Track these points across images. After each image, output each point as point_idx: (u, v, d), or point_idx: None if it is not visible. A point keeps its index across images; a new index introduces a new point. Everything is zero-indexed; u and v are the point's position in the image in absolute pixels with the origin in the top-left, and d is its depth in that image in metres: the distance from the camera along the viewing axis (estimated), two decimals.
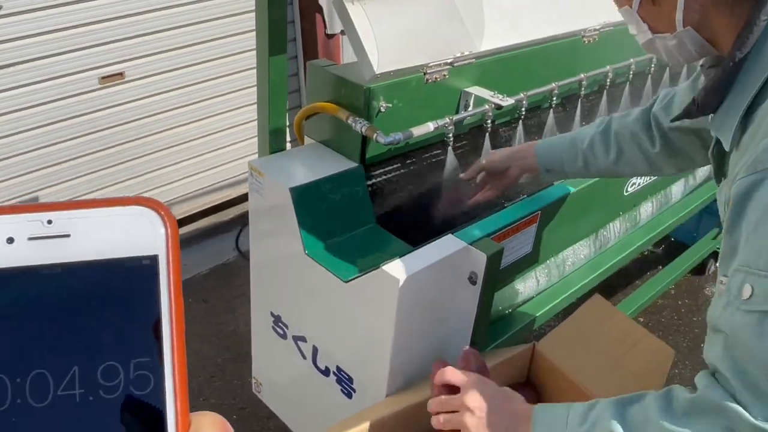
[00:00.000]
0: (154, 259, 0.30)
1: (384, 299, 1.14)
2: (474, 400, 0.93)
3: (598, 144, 1.26)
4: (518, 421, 0.91)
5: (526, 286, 1.59)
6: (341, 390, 1.36)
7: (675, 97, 1.17)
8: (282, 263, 1.39)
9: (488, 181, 1.41)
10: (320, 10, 2.56)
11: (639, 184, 1.79)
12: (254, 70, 2.61)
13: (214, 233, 2.93)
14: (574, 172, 1.31)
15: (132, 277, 0.30)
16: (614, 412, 0.81)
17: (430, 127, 1.35)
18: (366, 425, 1.05)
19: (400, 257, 1.16)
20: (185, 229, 2.87)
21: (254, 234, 1.44)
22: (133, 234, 0.30)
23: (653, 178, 1.84)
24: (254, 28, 2.55)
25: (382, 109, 1.35)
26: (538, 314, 1.61)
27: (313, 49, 2.69)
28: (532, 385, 1.25)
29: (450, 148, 1.43)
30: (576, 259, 1.76)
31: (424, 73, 1.40)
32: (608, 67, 1.81)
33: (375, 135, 1.27)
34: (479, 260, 1.19)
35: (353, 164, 1.38)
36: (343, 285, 1.22)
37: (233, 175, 2.93)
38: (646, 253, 2.81)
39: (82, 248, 0.29)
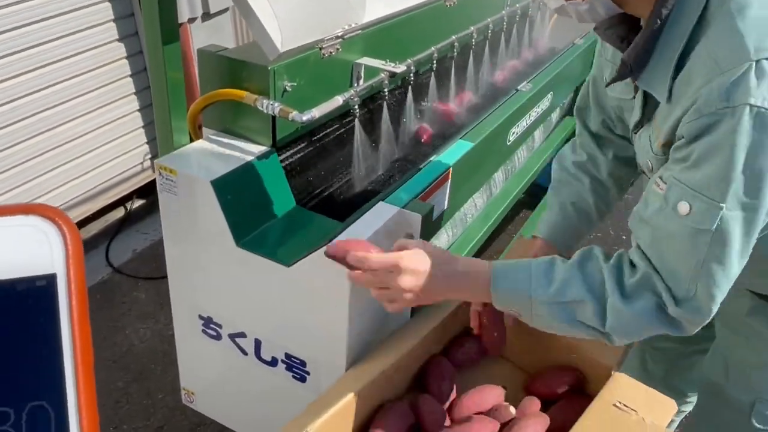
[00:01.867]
0: (51, 279, 0.26)
1: (336, 272, 1.13)
2: (403, 278, 0.94)
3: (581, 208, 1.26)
4: (467, 279, 0.96)
5: (440, 242, 1.67)
6: (293, 376, 1.35)
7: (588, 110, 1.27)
8: (208, 262, 1.32)
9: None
10: None
11: (517, 133, 1.93)
12: (101, 69, 2.41)
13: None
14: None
15: (25, 302, 0.25)
16: (579, 279, 0.90)
17: (339, 100, 1.35)
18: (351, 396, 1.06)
19: (343, 229, 1.17)
20: None
21: (169, 238, 1.36)
22: (24, 250, 0.25)
23: (529, 125, 2.00)
24: (99, 22, 2.36)
25: (288, 89, 1.33)
26: None
27: None
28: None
29: (357, 120, 1.45)
30: (474, 212, 1.88)
31: (320, 49, 1.40)
32: (471, 27, 1.93)
33: (291, 114, 1.25)
34: (415, 221, 1.23)
35: (265, 148, 1.34)
36: (285, 270, 1.20)
37: (92, 187, 2.69)
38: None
39: None
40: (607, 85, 1.04)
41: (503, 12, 2.17)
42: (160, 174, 1.27)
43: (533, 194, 2.47)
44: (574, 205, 1.25)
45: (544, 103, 2.13)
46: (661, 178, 0.86)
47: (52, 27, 2.26)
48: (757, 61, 0.74)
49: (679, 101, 0.83)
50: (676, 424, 1.71)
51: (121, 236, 2.82)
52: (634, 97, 0.99)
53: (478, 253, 1.91)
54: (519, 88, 1.95)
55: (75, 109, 2.47)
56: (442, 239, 1.69)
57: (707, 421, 1.30)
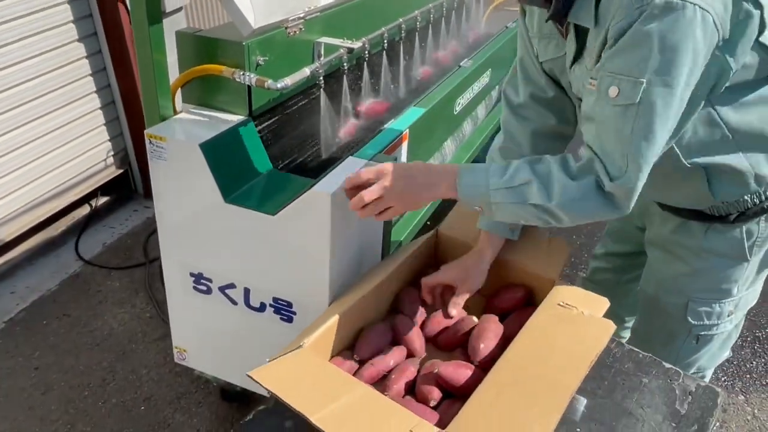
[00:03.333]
0: None
1: (317, 216, 1.31)
2: (388, 180, 1.13)
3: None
4: (439, 175, 1.15)
5: None
6: (280, 318, 1.51)
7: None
8: (198, 220, 1.47)
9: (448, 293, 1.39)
10: None
11: (462, 104, 2.14)
12: (59, 70, 2.49)
13: (51, 249, 2.76)
14: None
15: None
16: (527, 166, 1.10)
17: (306, 72, 1.53)
18: (335, 318, 1.22)
19: (319, 181, 1.34)
20: (18, 250, 2.67)
21: (160, 203, 1.50)
22: None
23: (474, 95, 2.22)
24: (58, 23, 2.45)
25: (261, 63, 1.49)
26: (407, 232, 1.90)
27: (119, 40, 2.63)
28: (441, 265, 1.51)
29: (322, 90, 1.63)
30: None
31: (286, 28, 1.57)
32: (416, 11, 2.14)
33: (266, 83, 1.42)
34: None
35: (243, 117, 1.50)
36: (271, 219, 1.37)
37: (57, 185, 2.76)
38: None
39: None
40: (547, 20, 1.16)
41: None
42: (150, 142, 1.41)
43: None
44: None
45: (484, 79, 2.36)
46: (591, 78, 1.06)
47: (11, 30, 2.34)
48: None
49: (605, 19, 1.02)
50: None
51: (90, 231, 2.90)
52: (566, 38, 1.17)
53: (434, 216, 2.11)
54: (461, 64, 2.17)
55: (37, 109, 2.55)
56: None
57: (649, 330, 1.51)
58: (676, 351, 1.44)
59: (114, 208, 3.06)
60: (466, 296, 1.36)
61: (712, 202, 1.24)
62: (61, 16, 2.52)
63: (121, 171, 3.05)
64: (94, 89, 2.76)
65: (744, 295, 1.37)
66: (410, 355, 1.29)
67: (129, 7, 2.59)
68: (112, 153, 2.97)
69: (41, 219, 2.73)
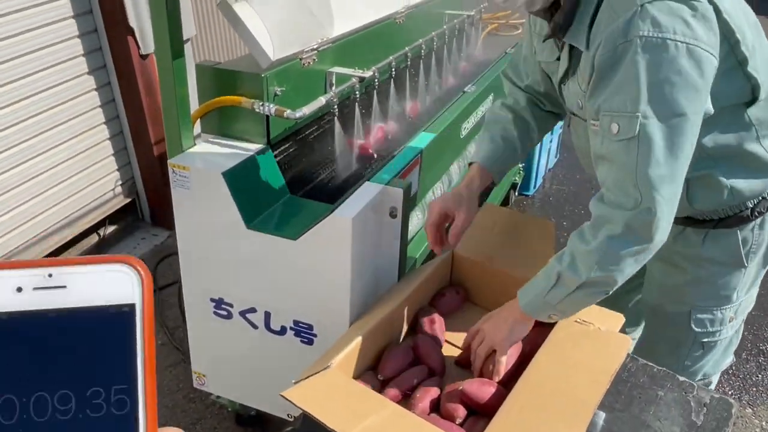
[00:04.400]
0: (132, 307, 0.37)
1: (338, 240, 1.35)
2: (486, 325, 1.29)
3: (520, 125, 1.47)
4: (510, 308, 1.26)
5: (413, 223, 1.90)
6: (300, 341, 1.54)
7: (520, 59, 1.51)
8: (219, 246, 1.51)
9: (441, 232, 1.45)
10: (131, 31, 2.58)
11: (467, 128, 2.20)
12: (69, 103, 2.54)
13: None
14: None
15: (115, 320, 0.36)
16: (553, 260, 1.18)
17: (322, 101, 1.58)
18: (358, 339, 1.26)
19: (339, 206, 1.38)
20: None
21: (182, 229, 1.54)
22: (116, 286, 0.37)
23: (478, 119, 2.28)
24: (69, 57, 2.51)
25: (278, 93, 1.55)
26: (417, 254, 1.94)
27: (128, 73, 2.69)
28: (456, 285, 1.56)
29: (336, 118, 1.68)
30: None
31: (300, 59, 1.63)
32: (420, 40, 2.21)
33: (285, 112, 1.47)
34: (397, 195, 1.46)
35: (261, 146, 1.55)
36: (292, 243, 1.41)
37: (67, 215, 2.80)
38: None
39: (75, 297, 0.36)
40: (544, 40, 1.26)
41: (444, 27, 2.46)
42: (173, 172, 1.46)
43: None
44: (502, 136, 1.47)
45: (487, 103, 2.42)
46: (593, 121, 1.13)
47: (24, 64, 2.40)
48: (642, 5, 1.01)
49: (593, 45, 1.09)
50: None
51: None
52: (559, 58, 1.24)
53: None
54: (465, 90, 2.24)
55: (47, 141, 2.59)
56: (414, 222, 1.92)
57: (654, 339, 1.55)
58: (682, 359, 1.48)
59: (122, 237, 3.09)
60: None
61: (690, 210, 1.31)
62: (72, 50, 2.58)
63: (128, 200, 3.09)
64: (104, 120, 2.81)
65: (743, 300, 1.42)
66: (432, 373, 1.32)
67: (138, 41, 2.66)
68: (120, 182, 3.01)
69: (52, 249, 2.75)
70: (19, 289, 0.36)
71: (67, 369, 0.35)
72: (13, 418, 0.35)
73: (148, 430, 0.37)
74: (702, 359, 1.48)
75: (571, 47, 1.18)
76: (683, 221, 1.37)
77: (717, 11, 1.03)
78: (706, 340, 1.44)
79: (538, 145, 2.92)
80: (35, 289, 0.36)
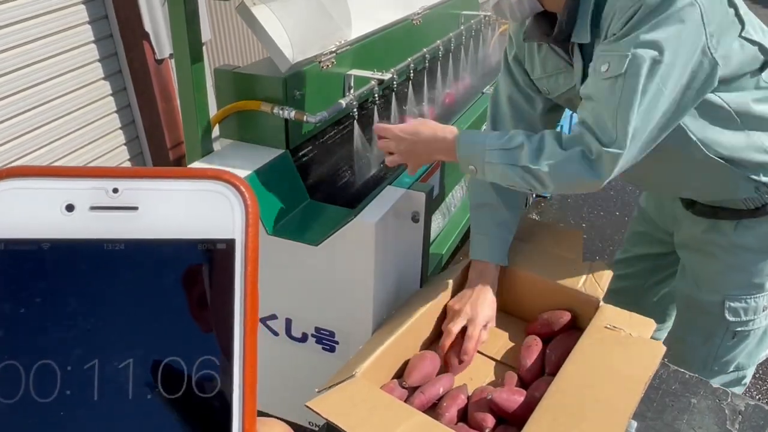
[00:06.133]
0: (230, 244, 0.26)
1: (361, 245, 1.33)
2: (398, 139, 1.27)
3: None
4: (443, 133, 1.25)
5: (436, 226, 1.87)
6: (322, 348, 1.52)
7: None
8: None
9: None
10: (146, 36, 2.58)
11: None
12: (86, 108, 2.54)
13: None
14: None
15: (204, 262, 0.26)
16: (522, 133, 1.16)
17: (342, 104, 1.56)
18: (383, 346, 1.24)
19: (357, 213, 1.36)
20: None
21: None
22: (208, 213, 0.26)
23: None
24: (85, 63, 2.51)
25: (297, 97, 1.53)
26: (443, 251, 1.91)
27: (144, 78, 2.69)
28: None
29: (355, 121, 1.66)
30: (456, 202, 2.10)
31: (319, 62, 1.61)
32: (438, 41, 2.18)
33: (305, 117, 1.45)
34: (419, 199, 1.43)
35: (281, 150, 1.53)
36: (314, 249, 1.39)
37: None
38: None
39: (149, 224, 0.26)
40: (552, 41, 1.24)
41: (461, 28, 2.43)
42: None
43: None
44: (496, 223, 1.44)
45: None
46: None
47: (42, 70, 2.41)
48: None
49: (603, 28, 1.09)
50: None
51: None
52: (569, 62, 1.23)
53: (462, 238, 2.12)
54: (484, 91, 2.21)
55: (65, 147, 2.60)
56: (434, 225, 1.89)
57: (687, 329, 1.53)
58: (714, 349, 1.46)
59: None
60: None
61: (735, 196, 1.30)
62: (88, 55, 2.58)
63: None
64: (119, 125, 2.82)
65: None
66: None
67: (154, 46, 2.66)
68: None
69: None
70: (70, 208, 0.25)
71: (133, 331, 0.26)
72: (52, 394, 0.25)
73: (245, 420, 0.27)
74: (735, 348, 1.46)
75: (581, 47, 1.18)
76: (713, 213, 1.37)
77: None
78: (739, 329, 1.43)
79: None
80: (93, 208, 0.26)
